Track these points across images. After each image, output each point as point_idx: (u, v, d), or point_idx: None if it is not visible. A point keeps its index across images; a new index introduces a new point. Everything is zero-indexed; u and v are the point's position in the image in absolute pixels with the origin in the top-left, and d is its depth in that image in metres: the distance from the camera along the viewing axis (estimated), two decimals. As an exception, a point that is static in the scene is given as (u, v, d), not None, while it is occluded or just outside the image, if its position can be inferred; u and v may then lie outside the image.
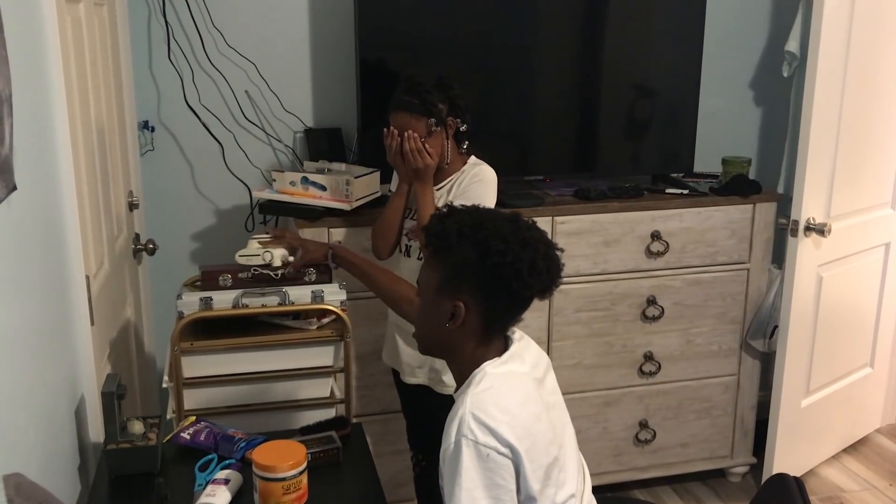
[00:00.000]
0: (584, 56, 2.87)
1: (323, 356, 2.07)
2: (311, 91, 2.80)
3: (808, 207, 2.68)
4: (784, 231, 2.75)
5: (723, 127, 3.15)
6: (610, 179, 2.86)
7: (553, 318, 2.69)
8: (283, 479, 1.52)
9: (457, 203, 1.69)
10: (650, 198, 2.76)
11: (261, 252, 2.04)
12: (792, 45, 2.95)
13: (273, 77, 2.75)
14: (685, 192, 2.79)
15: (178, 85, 2.68)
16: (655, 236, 2.72)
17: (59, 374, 1.54)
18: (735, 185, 2.78)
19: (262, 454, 1.55)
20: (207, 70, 2.70)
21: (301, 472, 1.55)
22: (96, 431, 1.77)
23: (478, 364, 1.49)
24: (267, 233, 2.10)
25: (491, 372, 1.46)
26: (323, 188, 2.41)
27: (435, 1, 2.66)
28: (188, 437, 1.76)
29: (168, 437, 1.77)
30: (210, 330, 2.04)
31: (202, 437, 1.76)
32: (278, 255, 2.05)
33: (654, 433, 2.86)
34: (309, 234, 2.42)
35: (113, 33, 2.28)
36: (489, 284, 1.46)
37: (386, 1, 2.60)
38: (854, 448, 3.29)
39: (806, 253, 2.73)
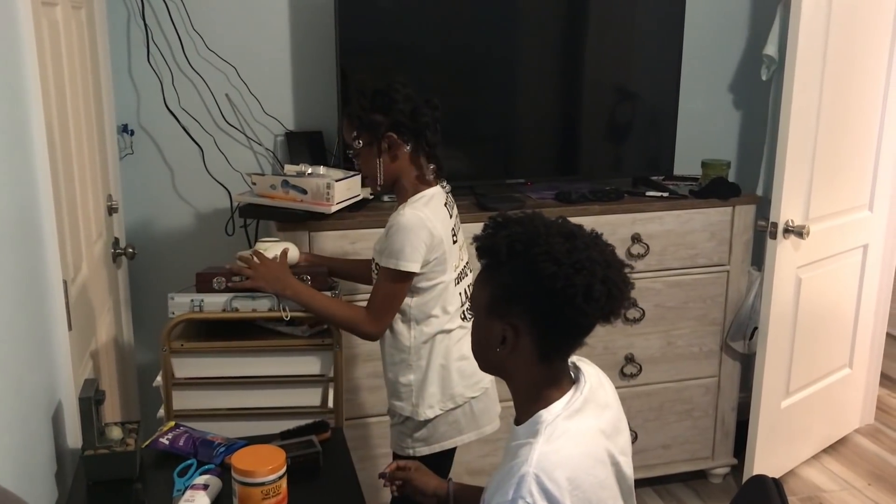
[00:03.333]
0: (566, 60, 2.88)
1: (313, 364, 2.06)
2: (292, 94, 2.79)
3: (787, 210, 2.71)
4: (763, 233, 2.77)
5: (702, 130, 3.17)
6: (591, 182, 2.87)
7: (535, 320, 2.70)
8: (263, 484, 1.51)
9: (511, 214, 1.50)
10: (631, 201, 2.77)
11: (249, 255, 2.07)
12: (770, 48, 2.97)
13: (253, 80, 2.74)
14: (665, 194, 2.80)
15: (157, 88, 2.67)
16: (636, 239, 2.73)
17: (35, 379, 1.53)
18: (714, 188, 2.80)
19: (241, 459, 1.54)
20: (187, 73, 2.69)
21: (280, 477, 1.54)
22: (74, 437, 1.75)
23: (543, 399, 1.37)
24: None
25: (563, 427, 1.34)
26: (303, 191, 2.40)
27: (415, 4, 2.66)
28: (167, 442, 1.75)
29: (147, 443, 1.75)
30: (207, 332, 2.04)
31: (181, 443, 1.75)
32: (271, 257, 2.07)
33: (636, 435, 2.87)
34: (289, 237, 2.41)
35: (91, 36, 2.26)
36: (542, 309, 1.33)
37: (366, 4, 2.60)
38: (833, 448, 3.32)
39: (785, 255, 2.75)
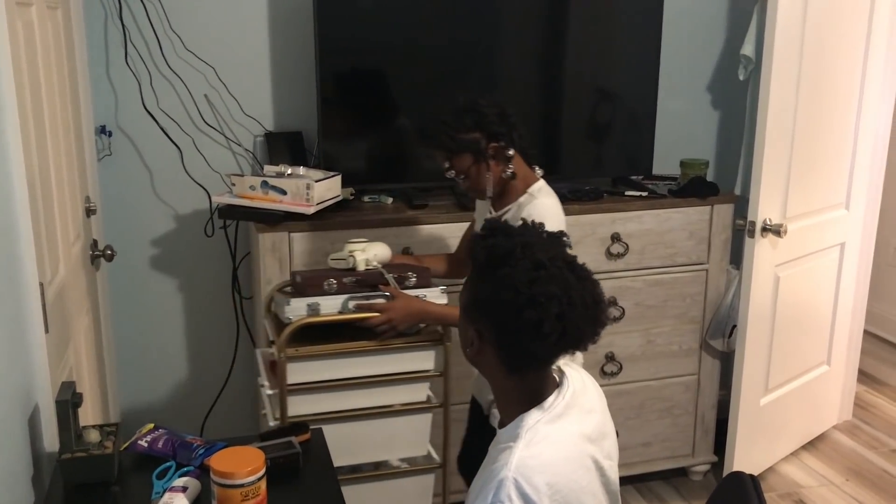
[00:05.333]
0: (546, 61, 2.89)
1: (422, 360, 2.09)
2: (272, 95, 2.79)
3: (765, 209, 2.73)
4: (741, 232, 2.79)
5: (681, 130, 3.19)
6: (571, 182, 2.88)
7: (515, 320, 2.70)
8: (242, 486, 1.50)
9: (521, 218, 1.57)
10: (610, 200, 2.79)
11: (346, 256, 2.09)
12: (747, 48, 3.00)
13: (232, 81, 2.73)
14: (644, 194, 2.82)
15: (135, 89, 2.66)
16: (615, 238, 2.75)
17: (12, 382, 1.52)
18: (693, 187, 2.82)
19: (220, 461, 1.53)
20: (165, 74, 2.68)
21: (259, 479, 1.53)
22: (51, 440, 1.74)
23: (524, 403, 1.37)
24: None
25: (542, 432, 1.33)
26: (283, 192, 2.39)
27: (395, 4, 2.66)
28: (146, 444, 1.74)
29: (125, 446, 1.74)
30: (301, 336, 2.02)
31: (160, 445, 1.74)
32: (362, 259, 2.09)
33: (617, 433, 2.88)
34: (269, 238, 2.41)
35: (68, 37, 2.25)
36: (501, 328, 1.33)
37: (346, 3, 2.59)
38: (812, 445, 3.35)
39: (763, 253, 2.77)
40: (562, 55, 2.88)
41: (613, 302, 2.80)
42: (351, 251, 2.10)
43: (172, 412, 2.91)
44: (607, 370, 2.85)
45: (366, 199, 2.69)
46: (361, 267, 2.08)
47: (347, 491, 1.99)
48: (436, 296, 2.11)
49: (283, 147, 2.73)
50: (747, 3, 3.08)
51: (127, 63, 2.63)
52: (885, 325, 4.45)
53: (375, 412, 2.08)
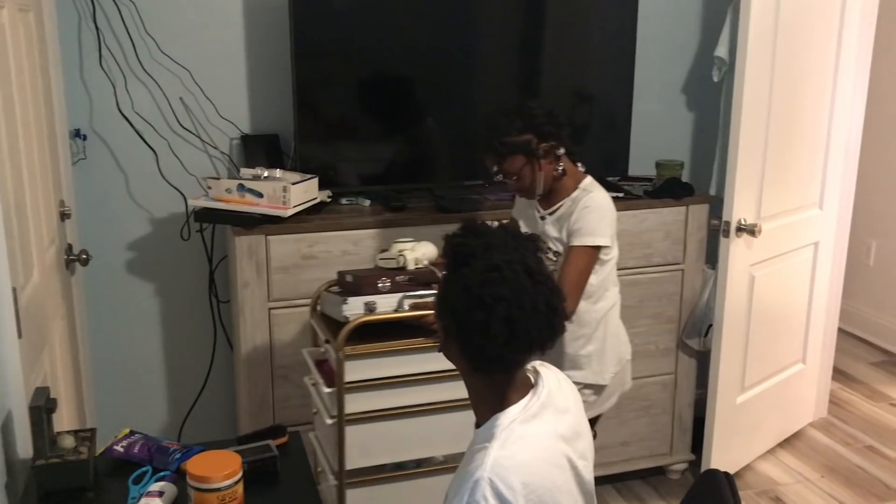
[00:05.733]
0: (522, 63, 2.90)
1: None
2: (248, 97, 2.78)
3: (739, 209, 2.76)
4: (716, 232, 2.82)
5: (656, 131, 3.21)
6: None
7: (494, 321, 2.71)
8: (219, 490, 1.50)
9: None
10: (587, 201, 2.80)
11: (395, 255, 2.14)
12: (721, 50, 3.02)
13: (208, 84, 2.72)
14: (620, 195, 2.83)
15: (110, 92, 2.64)
16: (592, 239, 2.76)
17: (-16, 389, 1.50)
18: (668, 188, 2.84)
19: (197, 465, 1.53)
20: (140, 77, 2.66)
21: (236, 482, 1.53)
22: (25, 447, 1.72)
23: (498, 403, 1.38)
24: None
25: (517, 431, 1.34)
26: (259, 195, 2.39)
27: (371, 7, 2.66)
28: (122, 449, 1.73)
29: (101, 451, 1.73)
30: (356, 332, 2.04)
31: (136, 450, 1.73)
32: (412, 258, 2.13)
33: (595, 433, 2.90)
34: (245, 241, 2.40)
35: (40, 40, 2.23)
36: (457, 325, 1.36)
37: (321, 6, 2.59)
38: (788, 442, 3.39)
39: (738, 253, 2.80)
40: (539, 58, 2.90)
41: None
42: (400, 251, 2.14)
43: (150, 417, 2.90)
44: (585, 370, 2.86)
45: (343, 201, 2.69)
46: (411, 266, 2.13)
47: (391, 489, 2.13)
48: None
49: (260, 150, 2.72)
50: (721, 5, 3.11)
51: (101, 66, 2.61)
52: (859, 322, 4.50)
53: (424, 409, 2.12)
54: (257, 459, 1.69)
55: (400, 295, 2.06)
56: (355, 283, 2.07)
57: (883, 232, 4.37)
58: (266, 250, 2.42)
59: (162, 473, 1.66)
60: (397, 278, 2.07)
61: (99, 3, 2.56)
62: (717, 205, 2.89)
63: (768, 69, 2.73)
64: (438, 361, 1.97)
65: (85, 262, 2.47)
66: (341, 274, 2.18)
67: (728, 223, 2.75)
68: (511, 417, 1.36)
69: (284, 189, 2.37)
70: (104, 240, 2.72)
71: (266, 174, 2.47)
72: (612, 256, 2.21)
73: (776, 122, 2.82)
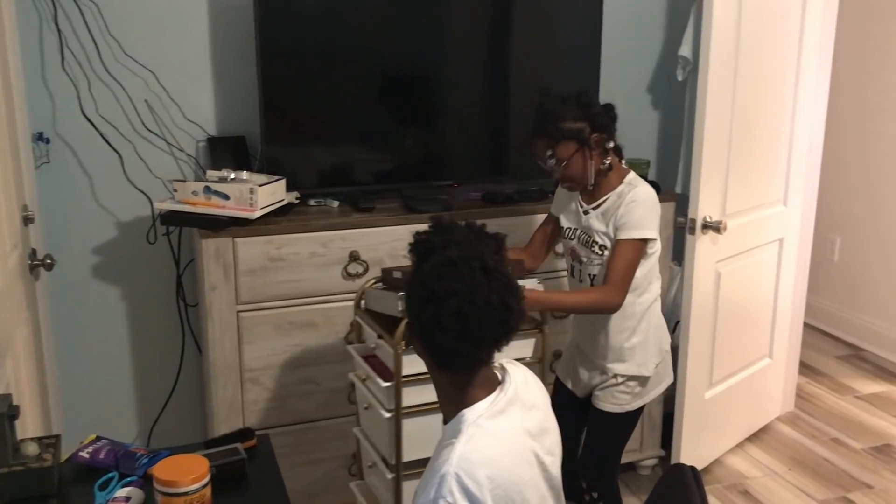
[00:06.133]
0: (490, 63, 2.91)
1: (521, 348, 2.20)
2: (213, 99, 2.76)
3: (705, 206, 2.79)
4: (683, 229, 2.85)
5: (622, 130, 3.21)
6: (517, 183, 2.91)
7: (464, 321, 2.72)
8: (186, 494, 1.49)
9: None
10: (555, 200, 2.82)
11: None
12: (685, 49, 3.06)
13: (173, 86, 2.70)
14: (588, 193, 2.85)
15: (73, 95, 2.61)
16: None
17: (-56, 396, 1.48)
18: (635, 186, 2.86)
19: (164, 469, 1.52)
20: (104, 79, 2.63)
21: (204, 486, 1.52)
22: (-11, 455, 1.70)
23: (465, 399, 1.39)
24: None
25: (483, 427, 1.36)
26: (226, 197, 2.37)
27: (337, 7, 2.65)
28: (87, 456, 1.71)
29: (66, 458, 1.71)
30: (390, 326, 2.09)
31: (102, 456, 1.71)
32: None
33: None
34: (213, 244, 2.39)
35: (0, 42, 2.19)
36: (416, 320, 1.39)
37: (287, 6, 2.58)
38: (756, 436, 3.43)
39: (704, 250, 2.83)
40: (506, 58, 2.91)
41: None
42: None
43: (119, 422, 2.87)
44: (555, 368, 2.87)
45: (311, 202, 2.68)
46: None
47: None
48: (533, 286, 2.18)
49: (226, 152, 2.71)
50: (684, 5, 3.15)
51: (64, 68, 2.58)
52: (825, 317, 4.57)
53: None
54: (225, 463, 1.68)
55: None
56: (407, 279, 2.08)
57: (847, 228, 4.44)
58: (233, 253, 2.41)
59: (129, 479, 1.65)
60: None
61: (60, 5, 2.53)
62: (683, 202, 2.92)
63: (731, 68, 2.76)
64: (510, 352, 2.09)
65: (49, 268, 2.44)
66: (386, 270, 2.20)
67: (694, 221, 2.78)
68: (477, 413, 1.37)
69: (251, 191, 2.35)
70: (69, 244, 2.69)
71: (232, 176, 2.46)
72: (655, 250, 2.25)
73: (740, 120, 2.86)
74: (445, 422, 1.44)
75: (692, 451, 2.98)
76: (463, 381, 1.41)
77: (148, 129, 2.70)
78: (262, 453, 1.82)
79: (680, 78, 3.13)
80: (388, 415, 2.08)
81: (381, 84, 2.72)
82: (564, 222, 2.34)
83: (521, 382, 1.47)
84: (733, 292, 3.05)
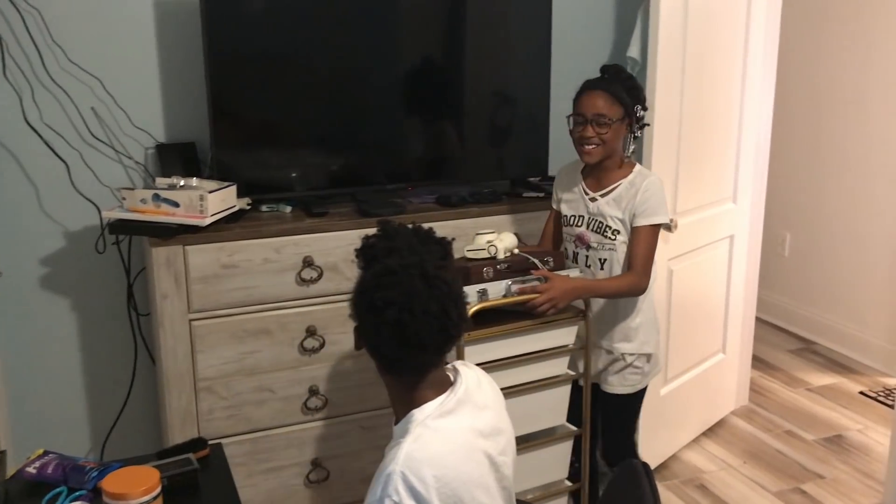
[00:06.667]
0: (442, 66, 2.91)
1: (565, 335, 2.33)
2: (162, 105, 2.73)
3: (656, 205, 2.82)
4: (635, 228, 2.88)
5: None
6: (471, 185, 2.91)
7: (420, 324, 2.71)
8: (136, 506, 1.47)
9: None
10: (508, 202, 2.83)
11: (486, 246, 2.26)
12: (633, 50, 3.09)
13: (120, 93, 2.66)
14: (542, 195, 2.87)
15: (16, 103, 2.56)
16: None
17: None
18: (587, 187, 2.89)
19: (113, 482, 1.50)
20: (48, 87, 2.58)
21: (155, 498, 1.50)
22: (-69, 473, 1.66)
23: (415, 400, 1.40)
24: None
25: (431, 426, 1.36)
26: (176, 204, 2.34)
27: (287, 11, 2.63)
28: (34, 471, 1.68)
29: (12, 474, 1.68)
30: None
31: (50, 470, 1.68)
32: (502, 248, 2.27)
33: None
34: (163, 252, 2.35)
35: (-62, 50, 2.15)
36: (359, 326, 1.41)
37: (235, 10, 2.55)
38: (712, 431, 3.48)
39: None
40: (457, 61, 2.92)
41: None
42: (488, 241, 2.27)
43: (71, 436, 2.81)
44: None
45: (264, 208, 2.66)
46: (502, 255, 2.26)
47: None
48: (576, 275, 2.33)
49: (176, 158, 2.67)
50: (632, 6, 3.18)
51: (5, 76, 2.53)
52: (777, 312, 4.66)
53: (526, 387, 2.29)
54: (177, 474, 1.66)
55: (505, 281, 2.21)
56: (463, 273, 2.15)
57: (796, 224, 4.54)
58: (184, 261, 2.38)
59: (77, 493, 1.63)
60: (498, 266, 2.21)
61: (1, 11, 2.48)
62: (634, 202, 2.95)
63: (679, 68, 2.81)
64: (541, 341, 2.30)
65: (-6, 279, 2.40)
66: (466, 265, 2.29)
67: (645, 219, 2.81)
68: (426, 413, 1.38)
69: (201, 198, 2.33)
70: (15, 255, 2.64)
71: (182, 183, 2.43)
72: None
73: (688, 120, 2.90)
74: (396, 422, 1.44)
75: (650, 447, 3.01)
76: (412, 383, 1.41)
77: (95, 137, 2.66)
78: (216, 463, 1.80)
79: (629, 79, 3.16)
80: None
81: (332, 87, 2.71)
82: (567, 210, 2.45)
83: (473, 384, 1.48)
84: (686, 289, 3.09)
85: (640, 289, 2.32)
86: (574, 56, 3.22)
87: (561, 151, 3.10)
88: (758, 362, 4.03)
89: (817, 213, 4.41)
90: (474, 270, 2.18)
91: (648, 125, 2.44)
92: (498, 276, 2.21)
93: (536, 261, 2.28)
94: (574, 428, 2.46)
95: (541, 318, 2.22)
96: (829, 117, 4.29)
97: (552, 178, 3.03)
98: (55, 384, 2.78)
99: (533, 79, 2.96)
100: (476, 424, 1.42)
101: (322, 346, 2.57)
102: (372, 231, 1.51)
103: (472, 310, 2.08)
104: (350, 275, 2.50)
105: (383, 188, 2.85)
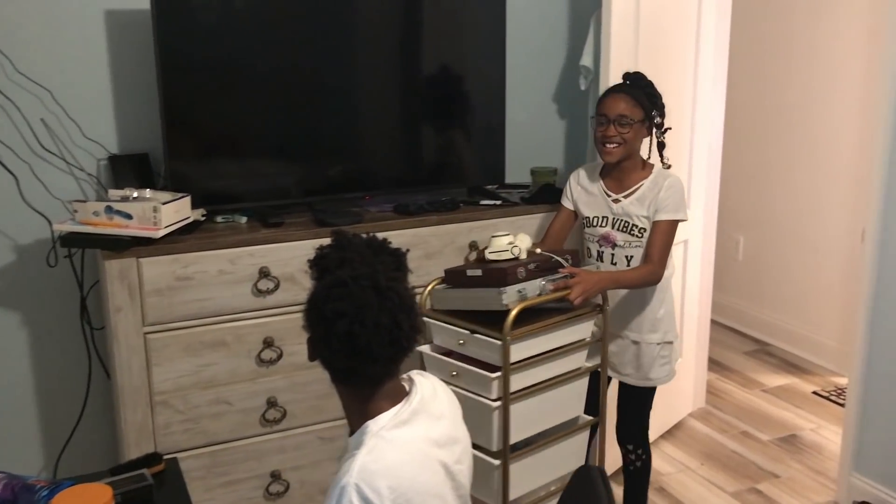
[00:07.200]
0: (398, 74, 2.92)
1: (583, 330, 2.43)
2: (114, 116, 2.69)
3: (611, 211, 2.85)
4: (590, 235, 2.91)
5: (530, 140, 3.30)
6: (428, 194, 2.92)
7: (379, 333, 2.71)
8: (88, 525, 1.45)
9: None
10: (466, 210, 2.85)
11: (509, 248, 2.33)
12: (586, 59, 3.13)
13: (71, 103, 2.62)
14: (498, 202, 2.90)
15: (-38, 115, 2.51)
16: (473, 246, 2.81)
17: None
18: (543, 194, 2.92)
19: (64, 500, 1.47)
20: (-4, 98, 2.54)
21: (108, 515, 1.48)
22: None
23: (370, 412, 1.40)
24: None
25: (385, 437, 1.36)
26: (129, 217, 2.32)
27: (240, 20, 2.62)
28: (-17, 491, 1.64)
29: (-41, 494, 1.64)
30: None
31: (-1, 490, 1.65)
32: (524, 248, 2.35)
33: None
34: (116, 265, 2.32)
35: None
36: (310, 338, 1.41)
37: (187, 19, 2.53)
38: (670, 433, 3.52)
39: (611, 254, 2.90)
40: (413, 70, 2.93)
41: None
42: (509, 243, 2.34)
43: (23, 454, 2.76)
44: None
45: (219, 219, 2.64)
46: (524, 255, 2.34)
47: (542, 456, 2.41)
48: (596, 269, 2.48)
49: (129, 170, 2.64)
50: (585, 15, 3.22)
51: (-49, 88, 2.48)
52: (732, 314, 4.74)
53: (558, 380, 2.40)
54: (131, 490, 1.64)
55: (539, 280, 2.28)
56: (498, 274, 2.23)
57: (749, 227, 4.62)
58: (138, 273, 2.35)
59: (28, 512, 1.59)
60: (529, 266, 2.27)
61: (-54, 22, 2.44)
62: (590, 208, 2.98)
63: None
64: (568, 335, 2.40)
65: (-59, 295, 2.34)
66: (457, 272, 2.38)
67: (601, 226, 2.84)
68: (380, 424, 1.38)
69: (155, 209, 2.30)
70: (-37, 270, 2.59)
71: (135, 195, 2.40)
72: None
73: (641, 126, 2.94)
74: (351, 433, 1.44)
75: (609, 452, 3.02)
76: (366, 394, 1.41)
77: (45, 149, 2.62)
78: (171, 478, 1.78)
79: (583, 87, 3.20)
80: (496, 403, 2.23)
81: (287, 96, 2.70)
82: (588, 212, 2.57)
83: (429, 393, 1.48)
84: (642, 294, 3.12)
85: (657, 278, 2.45)
86: (529, 65, 3.25)
87: (517, 159, 3.14)
88: (714, 364, 4.09)
89: (769, 216, 4.50)
90: (510, 272, 2.23)
91: (670, 129, 2.56)
92: (530, 276, 2.28)
93: (562, 259, 2.39)
94: (590, 417, 2.56)
95: (575, 310, 2.35)
96: (777, 123, 4.38)
97: (509, 186, 3.07)
98: (6, 401, 2.73)
99: (489, 88, 2.98)
100: (431, 434, 1.43)
101: (279, 357, 2.55)
102: (327, 241, 1.50)
103: (515, 309, 2.18)
104: (307, 285, 2.48)
105: (340, 197, 2.84)
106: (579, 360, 2.47)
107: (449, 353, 2.39)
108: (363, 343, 1.34)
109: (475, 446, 2.19)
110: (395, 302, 1.37)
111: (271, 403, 2.57)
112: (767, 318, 4.56)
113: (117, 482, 1.64)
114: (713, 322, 3.87)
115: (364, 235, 1.50)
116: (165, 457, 1.85)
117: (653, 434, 3.41)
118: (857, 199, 3.92)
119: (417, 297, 2.18)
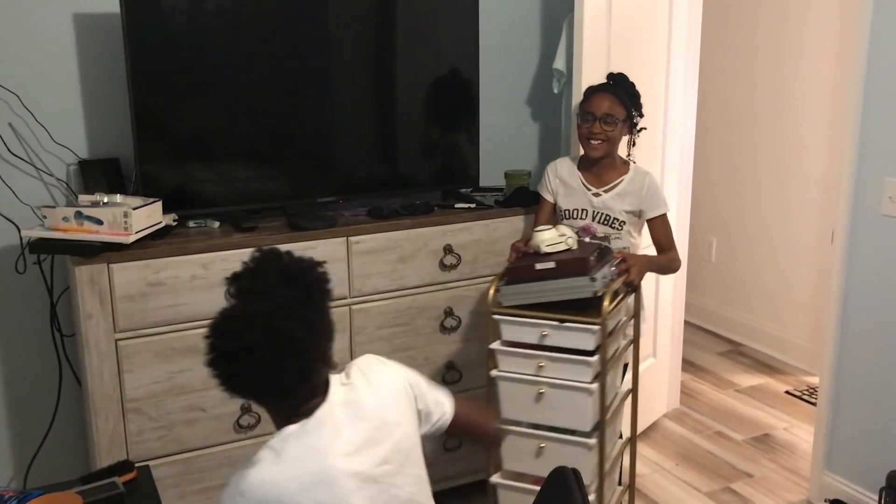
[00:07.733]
0: (373, 79, 2.91)
1: (615, 314, 2.50)
2: (84, 121, 2.66)
3: (584, 214, 2.87)
4: (565, 237, 2.93)
5: (504, 143, 3.31)
6: (403, 197, 2.92)
7: (355, 336, 2.71)
8: (57, 535, 1.43)
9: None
10: (440, 213, 2.85)
11: (563, 239, 2.44)
12: (559, 62, 3.14)
13: (39, 108, 2.59)
14: (472, 206, 2.90)
15: (-73, 119, 2.47)
16: (448, 250, 2.81)
17: None
18: (517, 197, 2.92)
19: (33, 510, 1.45)
20: (-38, 102, 2.51)
21: (78, 525, 1.46)
22: None
23: (280, 421, 1.41)
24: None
25: (275, 448, 1.37)
26: (99, 222, 2.29)
27: (211, 23, 2.60)
28: (-50, 502, 1.62)
29: (-74, 505, 1.61)
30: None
31: (-33, 501, 1.62)
32: (573, 240, 2.47)
33: (460, 441, 2.94)
34: (87, 271, 2.30)
35: None
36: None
37: (157, 23, 2.51)
38: (645, 434, 3.54)
39: (586, 256, 2.91)
40: (386, 74, 2.92)
41: (449, 312, 2.85)
42: (561, 234, 2.45)
43: (-9, 464, 2.72)
44: (448, 378, 2.90)
45: (191, 224, 2.61)
46: (575, 246, 2.46)
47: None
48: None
49: (99, 175, 2.61)
50: (557, 18, 3.24)
51: (-84, 92, 2.45)
52: (705, 315, 4.78)
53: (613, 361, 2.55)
54: (101, 499, 1.62)
55: (607, 266, 2.43)
56: (578, 264, 2.35)
57: (721, 229, 4.66)
58: (109, 279, 2.32)
59: (-4, 523, 1.57)
60: (592, 256, 2.39)
61: (-90, 25, 2.40)
62: (564, 211, 2.99)
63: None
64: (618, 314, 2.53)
65: None
66: (525, 267, 2.42)
67: (575, 228, 2.85)
68: (282, 437, 1.39)
69: (125, 214, 2.28)
70: (-71, 278, 2.54)
71: (106, 200, 2.37)
72: None
73: (614, 129, 2.95)
74: None
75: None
76: (279, 407, 1.45)
77: (13, 154, 2.58)
78: (143, 486, 1.76)
79: (556, 90, 3.21)
80: (594, 386, 2.38)
81: (259, 99, 2.69)
82: (567, 204, 2.70)
83: (351, 397, 1.46)
84: (616, 296, 3.14)
85: (679, 263, 2.79)
86: (502, 68, 3.26)
87: (491, 162, 3.14)
88: (688, 365, 4.12)
89: (741, 218, 4.54)
90: (588, 261, 2.36)
91: (645, 129, 2.72)
92: (597, 264, 2.41)
93: (609, 247, 2.59)
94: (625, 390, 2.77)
95: (636, 289, 2.57)
96: (748, 126, 4.43)
97: (483, 189, 3.07)
98: (-25, 410, 2.69)
99: (462, 91, 2.99)
100: (336, 444, 1.40)
101: (254, 362, 2.53)
102: (306, 245, 1.50)
103: (610, 292, 2.35)
104: (281, 290, 2.47)
105: (314, 201, 2.83)
106: (619, 340, 2.65)
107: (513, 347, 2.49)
108: (242, 381, 1.37)
109: (566, 430, 2.44)
110: (283, 343, 1.34)
111: (245, 409, 2.56)
112: (740, 318, 4.60)
113: (87, 491, 1.62)
114: (687, 323, 3.89)
115: (286, 258, 1.46)
116: (138, 464, 1.83)
117: (627, 435, 3.43)
118: (827, 200, 3.97)
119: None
